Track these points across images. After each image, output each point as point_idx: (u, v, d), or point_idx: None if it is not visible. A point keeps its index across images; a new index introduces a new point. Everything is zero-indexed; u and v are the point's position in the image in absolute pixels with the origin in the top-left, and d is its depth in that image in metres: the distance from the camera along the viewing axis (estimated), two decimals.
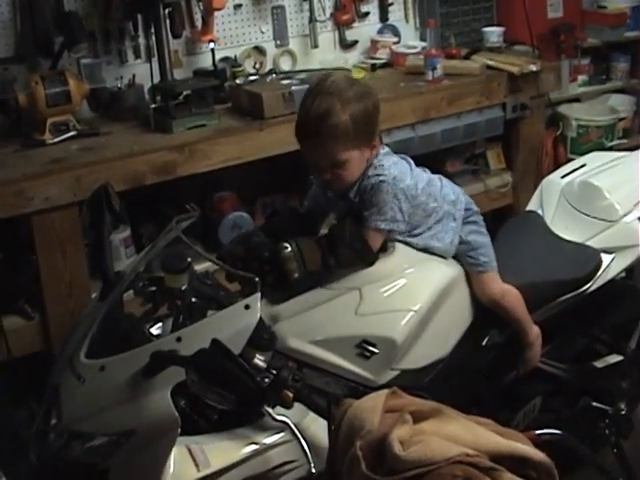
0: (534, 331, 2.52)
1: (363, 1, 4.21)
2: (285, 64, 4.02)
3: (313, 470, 1.92)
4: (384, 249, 2.26)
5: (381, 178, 2.21)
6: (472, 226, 2.43)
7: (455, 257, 2.40)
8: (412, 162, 2.37)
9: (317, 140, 2.15)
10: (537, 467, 1.42)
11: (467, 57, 4.06)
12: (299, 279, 2.12)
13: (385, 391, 1.53)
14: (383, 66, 4.14)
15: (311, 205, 2.49)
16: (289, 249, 2.11)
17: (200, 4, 3.67)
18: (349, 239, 2.15)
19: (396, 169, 2.25)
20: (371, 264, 2.22)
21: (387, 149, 2.33)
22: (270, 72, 3.85)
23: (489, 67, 3.95)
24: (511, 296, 2.44)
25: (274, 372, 1.85)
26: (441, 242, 2.33)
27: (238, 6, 3.88)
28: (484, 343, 2.47)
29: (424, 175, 2.37)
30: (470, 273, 2.41)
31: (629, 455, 2.79)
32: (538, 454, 1.42)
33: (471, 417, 1.50)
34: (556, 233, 2.78)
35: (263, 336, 1.93)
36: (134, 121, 3.45)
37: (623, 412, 2.78)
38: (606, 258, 2.70)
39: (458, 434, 1.39)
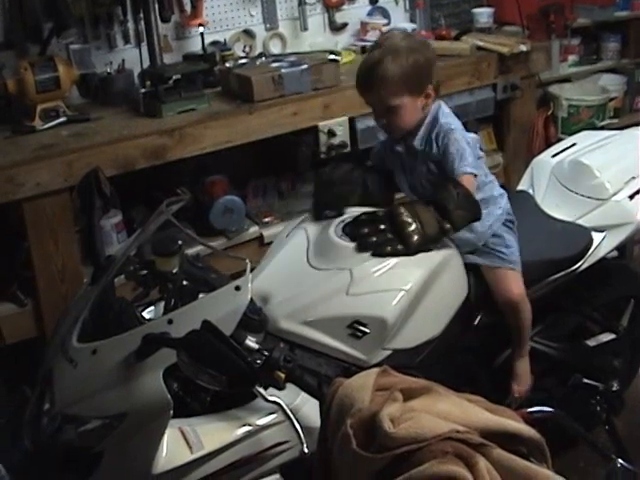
0: (528, 345, 2.56)
1: None
2: (275, 47, 4.01)
3: (306, 450, 1.93)
4: None
5: (452, 126, 2.33)
6: (508, 226, 2.48)
7: (484, 251, 2.42)
8: None
9: (370, 87, 2.33)
10: (528, 443, 1.42)
11: (457, 38, 4.05)
12: (419, 242, 2.16)
13: (375, 369, 1.52)
14: None
15: (377, 163, 2.60)
16: (405, 213, 2.16)
17: None
18: (458, 199, 2.19)
19: (459, 124, 2.36)
20: (479, 218, 2.26)
21: (450, 111, 2.41)
22: (260, 55, 3.84)
23: (479, 48, 3.95)
24: (527, 304, 2.47)
25: (266, 353, 1.83)
26: (480, 223, 2.34)
27: None
28: (476, 323, 2.48)
29: (477, 151, 2.42)
30: (496, 269, 2.43)
31: (621, 433, 2.80)
32: (529, 430, 1.42)
33: (462, 394, 1.50)
34: (547, 212, 2.79)
35: (254, 317, 1.94)
36: (124, 106, 3.45)
37: (614, 389, 2.79)
38: (597, 237, 2.71)
39: (448, 411, 1.39)
